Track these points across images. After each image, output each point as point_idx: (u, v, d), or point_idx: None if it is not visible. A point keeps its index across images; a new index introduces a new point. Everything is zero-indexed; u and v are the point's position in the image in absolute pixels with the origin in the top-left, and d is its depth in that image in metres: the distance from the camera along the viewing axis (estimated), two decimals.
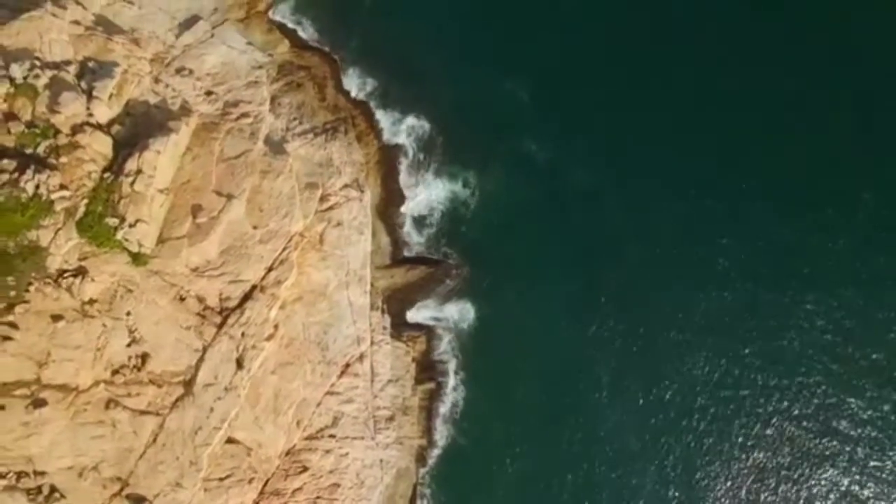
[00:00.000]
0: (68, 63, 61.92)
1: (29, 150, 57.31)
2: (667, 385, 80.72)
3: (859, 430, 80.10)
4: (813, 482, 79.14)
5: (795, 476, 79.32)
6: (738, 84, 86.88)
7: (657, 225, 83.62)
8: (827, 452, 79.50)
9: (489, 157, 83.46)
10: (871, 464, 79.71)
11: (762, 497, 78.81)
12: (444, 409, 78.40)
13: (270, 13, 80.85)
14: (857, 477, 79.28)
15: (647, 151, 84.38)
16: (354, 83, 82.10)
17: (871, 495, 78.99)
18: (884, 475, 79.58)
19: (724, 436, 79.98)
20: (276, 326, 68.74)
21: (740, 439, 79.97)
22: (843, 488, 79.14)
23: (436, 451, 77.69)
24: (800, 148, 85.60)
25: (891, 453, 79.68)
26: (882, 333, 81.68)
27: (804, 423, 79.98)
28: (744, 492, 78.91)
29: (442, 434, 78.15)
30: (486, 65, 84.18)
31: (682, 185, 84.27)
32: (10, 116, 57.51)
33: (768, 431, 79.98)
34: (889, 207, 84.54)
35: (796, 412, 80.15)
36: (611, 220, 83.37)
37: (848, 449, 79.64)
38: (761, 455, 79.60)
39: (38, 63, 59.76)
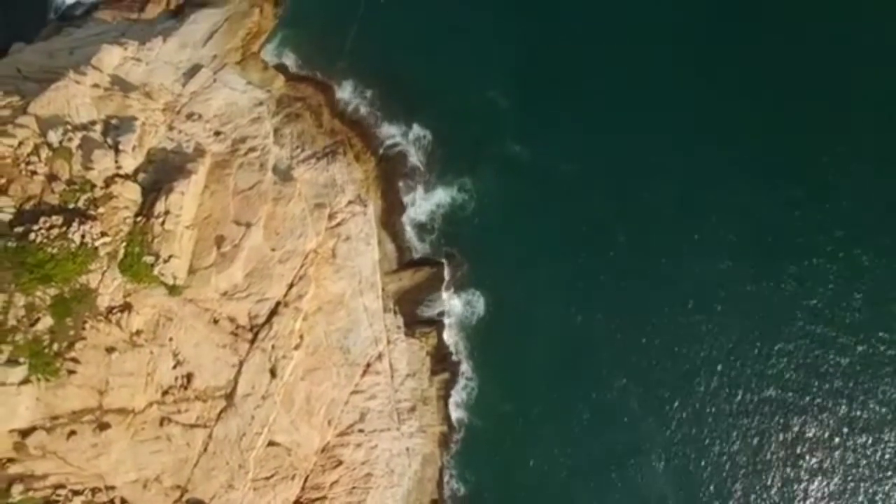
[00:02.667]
0: (94, 123, 67.33)
1: (71, 205, 62.68)
2: (666, 355, 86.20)
3: (842, 383, 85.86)
4: (795, 428, 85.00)
5: (784, 433, 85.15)
6: (706, 66, 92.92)
7: (641, 205, 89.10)
8: (812, 400, 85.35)
9: (478, 162, 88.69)
10: (853, 410, 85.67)
11: (760, 454, 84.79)
12: (460, 396, 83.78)
13: (263, 53, 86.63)
14: (840, 424, 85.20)
15: (619, 138, 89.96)
16: (347, 105, 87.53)
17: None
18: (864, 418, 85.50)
19: (721, 399, 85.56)
20: (301, 336, 74.11)
21: (736, 399, 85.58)
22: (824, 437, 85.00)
23: (456, 435, 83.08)
24: (779, 120, 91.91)
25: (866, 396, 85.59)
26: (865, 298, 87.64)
27: (793, 383, 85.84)
28: (741, 446, 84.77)
29: (460, 419, 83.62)
30: (466, 78, 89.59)
31: (659, 166, 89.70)
32: (52, 177, 62.81)
33: (764, 394, 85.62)
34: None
35: (787, 375, 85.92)
36: (597, 205, 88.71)
37: (830, 401, 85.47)
38: (757, 416, 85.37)
39: (69, 127, 65.17)
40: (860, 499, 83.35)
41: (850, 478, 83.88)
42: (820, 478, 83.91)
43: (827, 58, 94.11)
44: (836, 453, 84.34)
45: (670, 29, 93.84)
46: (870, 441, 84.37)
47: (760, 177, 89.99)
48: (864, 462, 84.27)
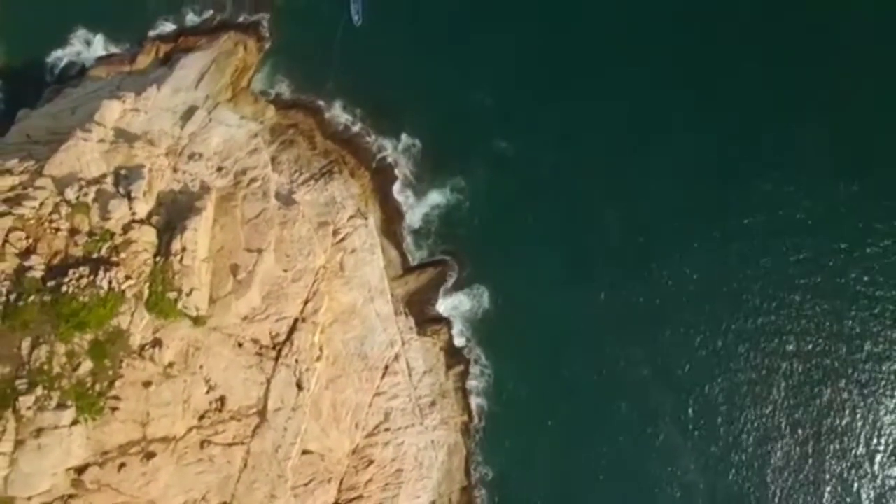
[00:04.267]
0: (105, 176, 71.06)
1: (95, 255, 66.50)
2: (668, 323, 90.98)
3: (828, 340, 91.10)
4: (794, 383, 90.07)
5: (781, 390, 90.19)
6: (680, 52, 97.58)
7: (628, 186, 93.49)
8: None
9: (468, 162, 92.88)
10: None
11: (768, 418, 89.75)
12: (476, 385, 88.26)
13: (253, 85, 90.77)
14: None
15: (599, 126, 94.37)
16: (338, 125, 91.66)
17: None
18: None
19: (727, 361, 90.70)
20: (321, 349, 78.20)
21: (741, 360, 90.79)
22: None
23: (478, 423, 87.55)
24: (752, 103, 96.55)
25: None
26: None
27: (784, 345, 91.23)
28: (750, 405, 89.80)
29: (480, 406, 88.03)
30: (447, 84, 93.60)
31: (640, 149, 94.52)
32: (74, 231, 66.81)
33: (765, 363, 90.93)
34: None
35: (790, 342, 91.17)
36: (585, 190, 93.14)
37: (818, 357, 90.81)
38: (763, 377, 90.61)
39: (83, 182, 69.06)
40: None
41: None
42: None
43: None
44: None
45: (641, 20, 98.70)
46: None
47: (742, 147, 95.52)
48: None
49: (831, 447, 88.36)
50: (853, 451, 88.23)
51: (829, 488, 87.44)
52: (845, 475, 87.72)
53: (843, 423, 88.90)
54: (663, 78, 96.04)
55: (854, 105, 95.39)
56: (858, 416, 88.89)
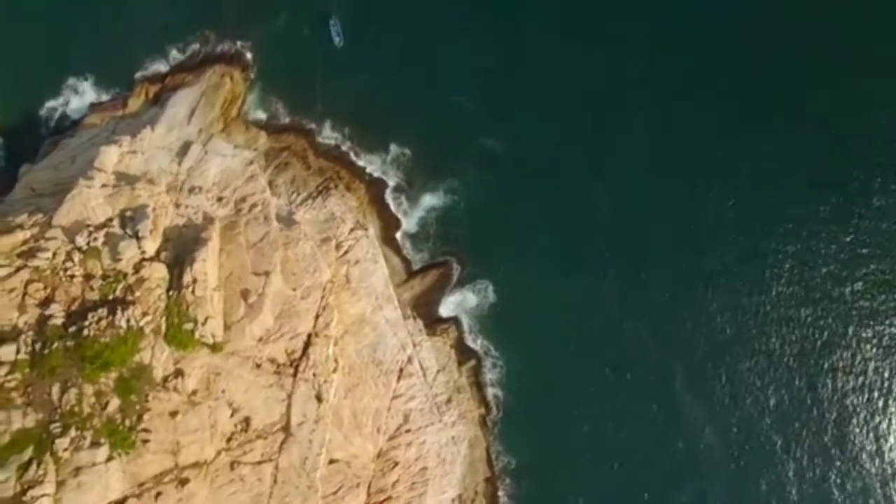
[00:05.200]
0: (111, 219, 73.26)
1: (111, 296, 68.80)
2: (668, 299, 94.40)
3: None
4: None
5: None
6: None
7: (614, 168, 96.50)
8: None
9: (457, 163, 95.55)
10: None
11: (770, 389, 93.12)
12: (489, 377, 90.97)
13: (244, 114, 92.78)
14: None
15: (578, 114, 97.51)
16: (329, 144, 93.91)
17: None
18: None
19: (730, 330, 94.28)
20: (336, 360, 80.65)
21: (743, 331, 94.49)
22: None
23: (495, 414, 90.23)
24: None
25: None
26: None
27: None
28: (758, 377, 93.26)
29: (496, 396, 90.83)
30: (429, 92, 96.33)
31: (622, 134, 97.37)
32: (88, 276, 69.04)
33: (762, 336, 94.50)
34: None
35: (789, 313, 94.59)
36: (573, 177, 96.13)
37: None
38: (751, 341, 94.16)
39: (91, 228, 71.23)
40: None
41: None
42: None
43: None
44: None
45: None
46: None
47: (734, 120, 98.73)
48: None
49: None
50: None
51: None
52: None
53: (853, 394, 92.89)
54: (637, 60, 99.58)
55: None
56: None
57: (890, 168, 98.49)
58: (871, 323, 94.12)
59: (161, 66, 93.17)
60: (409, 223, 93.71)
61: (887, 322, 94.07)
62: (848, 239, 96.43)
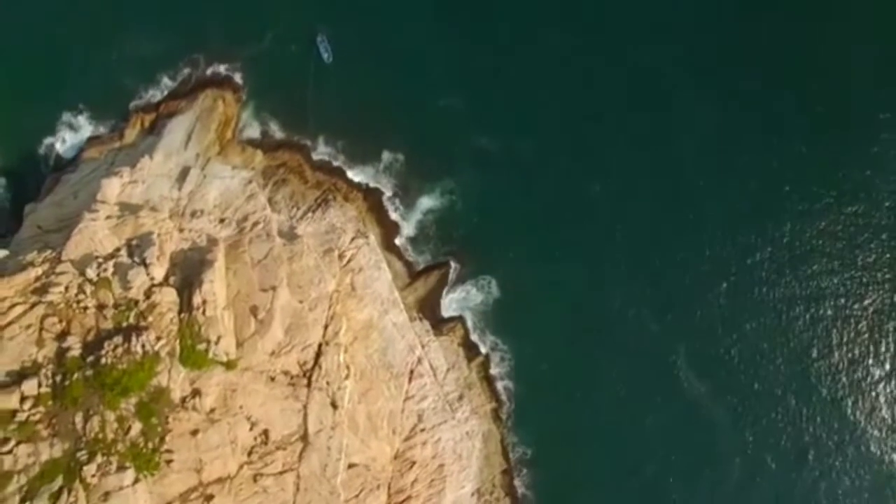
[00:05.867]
0: (118, 249, 74.80)
1: (125, 324, 70.67)
2: (668, 280, 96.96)
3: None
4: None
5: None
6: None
7: (609, 164, 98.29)
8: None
9: (452, 164, 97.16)
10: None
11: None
12: (498, 371, 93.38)
13: (239, 135, 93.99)
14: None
15: (565, 107, 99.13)
16: (324, 157, 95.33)
17: None
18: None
19: (733, 305, 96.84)
20: (348, 367, 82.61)
21: (742, 305, 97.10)
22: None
23: (507, 407, 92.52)
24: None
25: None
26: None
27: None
28: (762, 351, 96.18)
29: (507, 388, 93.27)
30: (418, 98, 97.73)
31: (608, 122, 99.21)
32: (101, 306, 70.89)
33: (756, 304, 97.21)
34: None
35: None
36: (565, 168, 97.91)
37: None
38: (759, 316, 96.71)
39: (100, 260, 72.88)
40: None
41: None
42: None
43: None
44: None
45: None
46: None
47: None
48: None
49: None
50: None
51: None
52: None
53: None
54: (623, 49, 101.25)
55: None
56: None
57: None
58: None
59: (154, 95, 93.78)
60: (408, 227, 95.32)
61: None
62: (850, 215, 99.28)
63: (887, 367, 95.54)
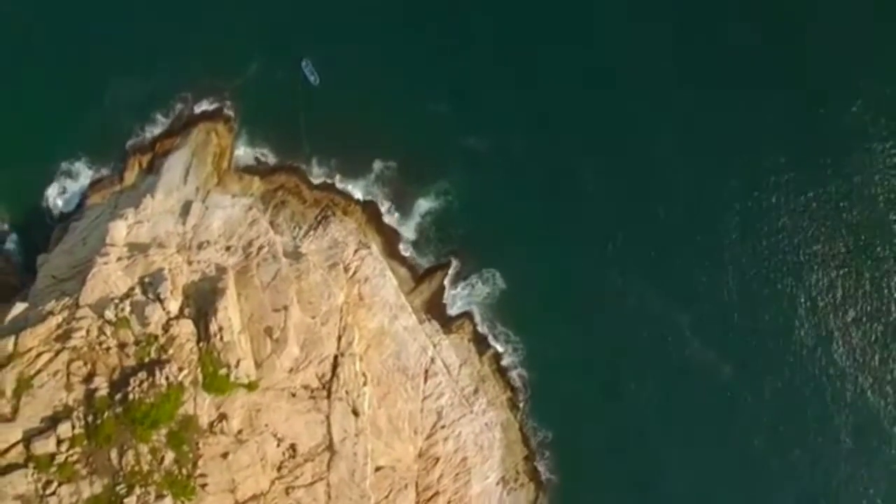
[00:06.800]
0: (132, 288, 77.00)
1: (147, 359, 73.40)
2: (665, 260, 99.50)
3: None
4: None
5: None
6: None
7: (597, 150, 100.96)
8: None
9: (444, 165, 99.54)
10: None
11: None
12: (509, 361, 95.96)
13: (235, 162, 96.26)
14: None
15: (549, 103, 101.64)
16: (319, 175, 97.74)
17: None
18: None
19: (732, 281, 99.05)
20: (364, 374, 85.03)
21: (745, 279, 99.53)
22: None
23: (521, 395, 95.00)
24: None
25: None
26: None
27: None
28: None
29: (521, 376, 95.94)
30: (406, 106, 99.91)
31: (594, 114, 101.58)
32: (122, 345, 73.51)
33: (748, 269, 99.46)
34: None
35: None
36: (558, 162, 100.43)
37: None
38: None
39: (116, 301, 75.35)
40: None
41: None
42: None
43: None
44: None
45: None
46: None
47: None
48: None
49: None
50: None
51: None
52: None
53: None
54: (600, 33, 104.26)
55: None
56: None
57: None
58: None
59: (148, 135, 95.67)
60: (408, 232, 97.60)
61: None
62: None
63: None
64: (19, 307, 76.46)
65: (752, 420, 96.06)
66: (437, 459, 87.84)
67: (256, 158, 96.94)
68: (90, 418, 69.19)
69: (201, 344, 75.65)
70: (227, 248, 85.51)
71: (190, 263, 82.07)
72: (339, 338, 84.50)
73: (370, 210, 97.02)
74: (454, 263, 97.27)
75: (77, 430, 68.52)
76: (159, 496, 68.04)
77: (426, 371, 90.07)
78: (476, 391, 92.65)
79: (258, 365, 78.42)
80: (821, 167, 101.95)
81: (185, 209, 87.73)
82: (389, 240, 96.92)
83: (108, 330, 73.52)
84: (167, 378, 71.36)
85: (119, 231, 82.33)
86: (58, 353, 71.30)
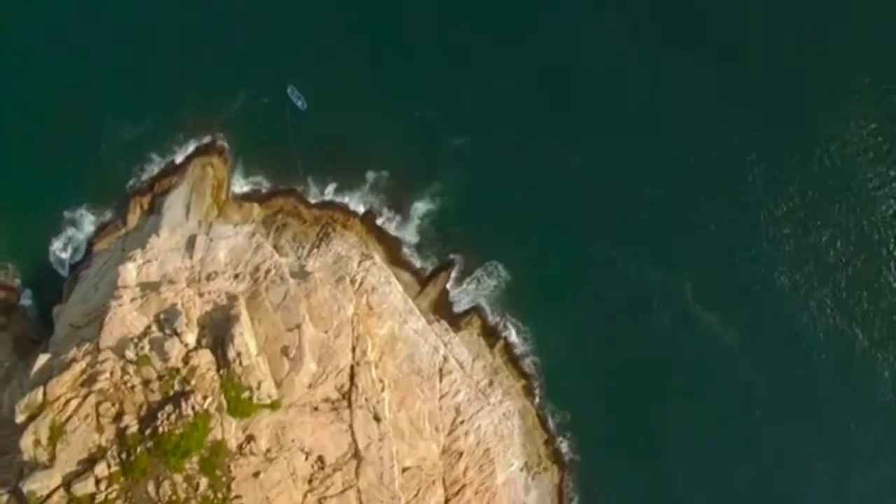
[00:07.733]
0: (149, 326, 79.42)
1: (171, 392, 76.27)
2: (662, 242, 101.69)
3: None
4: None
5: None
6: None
7: (583, 137, 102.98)
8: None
9: (435, 168, 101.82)
10: None
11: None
12: (521, 350, 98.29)
13: (233, 192, 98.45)
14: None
15: (531, 97, 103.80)
16: (316, 194, 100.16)
17: None
18: None
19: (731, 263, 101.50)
20: (381, 380, 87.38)
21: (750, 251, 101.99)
22: None
23: (535, 382, 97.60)
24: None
25: None
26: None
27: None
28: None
29: (535, 362, 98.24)
30: (393, 116, 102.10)
31: (576, 103, 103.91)
32: (146, 382, 76.23)
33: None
34: None
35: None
36: (547, 152, 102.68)
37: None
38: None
39: (135, 340, 77.92)
40: None
41: None
42: None
43: None
44: None
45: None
46: None
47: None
48: None
49: None
50: None
51: None
52: None
53: None
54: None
55: None
56: None
57: None
58: None
59: (146, 176, 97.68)
60: (408, 236, 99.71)
61: None
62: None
63: None
64: (43, 358, 79.15)
65: (767, 393, 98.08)
66: (461, 454, 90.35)
67: (253, 185, 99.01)
68: (124, 455, 72.24)
69: (222, 371, 78.27)
70: (236, 276, 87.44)
71: (201, 295, 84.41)
72: (354, 348, 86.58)
73: (369, 220, 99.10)
74: (457, 261, 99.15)
75: (113, 469, 71.78)
76: None
77: (440, 370, 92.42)
78: (491, 383, 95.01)
79: (278, 384, 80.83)
80: (807, 133, 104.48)
81: (191, 243, 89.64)
82: (391, 247, 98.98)
83: (131, 369, 76.39)
84: (193, 408, 74.15)
85: (129, 273, 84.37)
86: (85, 397, 74.24)
